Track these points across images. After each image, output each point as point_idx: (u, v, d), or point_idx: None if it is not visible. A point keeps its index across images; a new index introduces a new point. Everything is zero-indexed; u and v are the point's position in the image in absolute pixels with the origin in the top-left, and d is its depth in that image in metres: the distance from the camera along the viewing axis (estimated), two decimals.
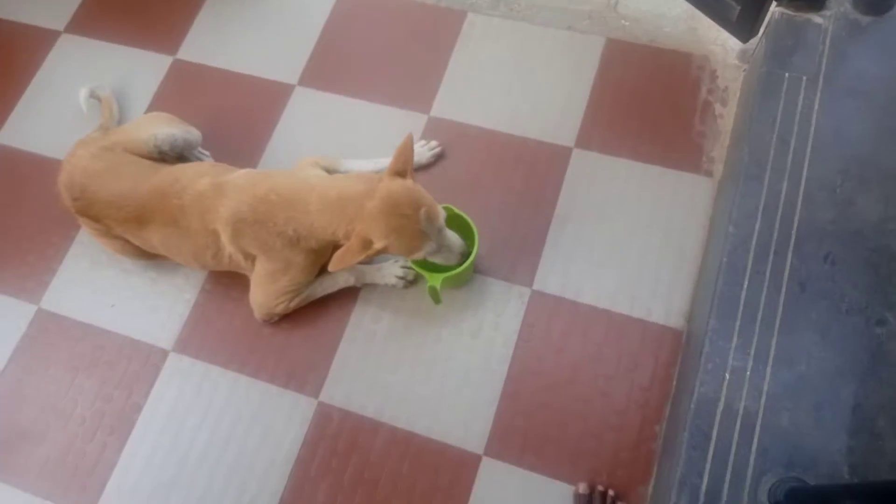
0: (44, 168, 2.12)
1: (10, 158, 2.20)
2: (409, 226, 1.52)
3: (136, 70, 2.28)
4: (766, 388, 1.38)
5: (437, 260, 1.64)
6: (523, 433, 1.67)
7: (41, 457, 1.79)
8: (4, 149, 2.22)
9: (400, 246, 1.54)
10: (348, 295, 1.86)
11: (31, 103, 2.29)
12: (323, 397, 1.76)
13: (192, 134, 1.97)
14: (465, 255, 1.65)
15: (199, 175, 1.73)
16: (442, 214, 1.58)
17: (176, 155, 1.92)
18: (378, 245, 1.51)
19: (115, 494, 1.74)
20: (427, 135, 2.03)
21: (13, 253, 2.05)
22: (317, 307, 1.84)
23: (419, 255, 1.58)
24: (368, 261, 1.62)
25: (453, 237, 1.64)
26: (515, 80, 2.08)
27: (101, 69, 2.28)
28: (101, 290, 1.97)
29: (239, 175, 1.73)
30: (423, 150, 1.97)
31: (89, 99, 2.15)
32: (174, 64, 2.28)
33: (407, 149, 1.57)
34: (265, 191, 1.63)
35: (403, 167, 1.56)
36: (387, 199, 1.51)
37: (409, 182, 1.55)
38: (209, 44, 2.30)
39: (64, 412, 1.83)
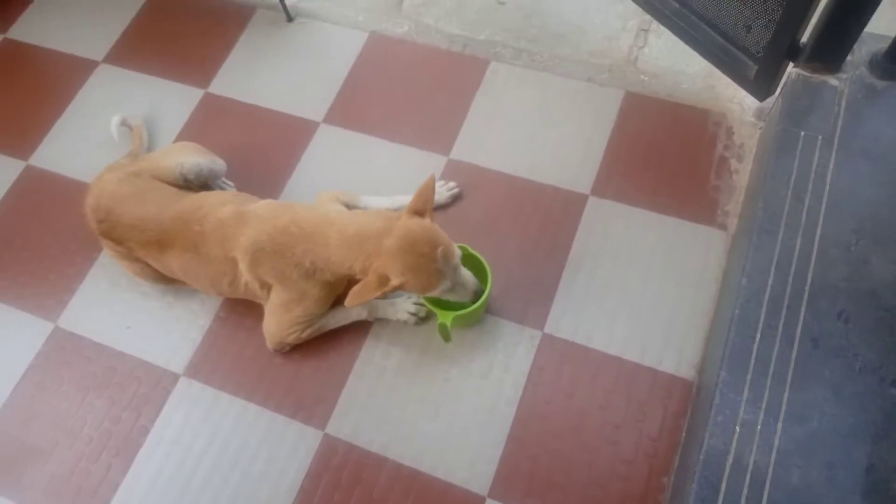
0: (72, 190, 2.18)
1: (41, 179, 2.26)
2: (426, 264, 1.54)
3: (168, 101, 2.35)
4: (776, 443, 1.37)
5: (452, 298, 1.66)
6: (528, 477, 1.65)
7: (46, 474, 1.79)
8: (36, 170, 2.28)
9: (416, 284, 1.56)
10: (360, 329, 1.87)
11: (65, 128, 2.37)
12: (329, 430, 1.76)
13: (217, 164, 2.03)
14: (479, 294, 1.67)
15: (221, 203, 1.77)
16: (457, 253, 1.61)
17: (200, 183, 1.97)
18: (395, 282, 1.53)
19: None
20: (446, 176, 2.07)
21: (35, 271, 2.09)
22: (328, 339, 1.86)
23: (434, 293, 1.60)
24: (383, 297, 1.64)
25: (467, 275, 1.66)
26: (535, 127, 2.13)
27: (134, 99, 2.36)
28: (118, 312, 2.00)
29: (261, 205, 1.77)
30: (441, 191, 2.00)
31: (121, 127, 2.22)
32: (205, 97, 2.35)
33: (428, 189, 1.60)
34: (286, 223, 1.67)
35: (423, 206, 1.59)
36: (405, 237, 1.54)
37: (427, 221, 1.58)
38: (240, 79, 2.37)
39: (72, 431, 1.84)
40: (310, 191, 2.04)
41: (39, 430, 1.85)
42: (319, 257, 1.63)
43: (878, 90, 1.71)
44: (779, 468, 1.35)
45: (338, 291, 1.79)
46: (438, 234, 1.57)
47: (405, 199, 1.94)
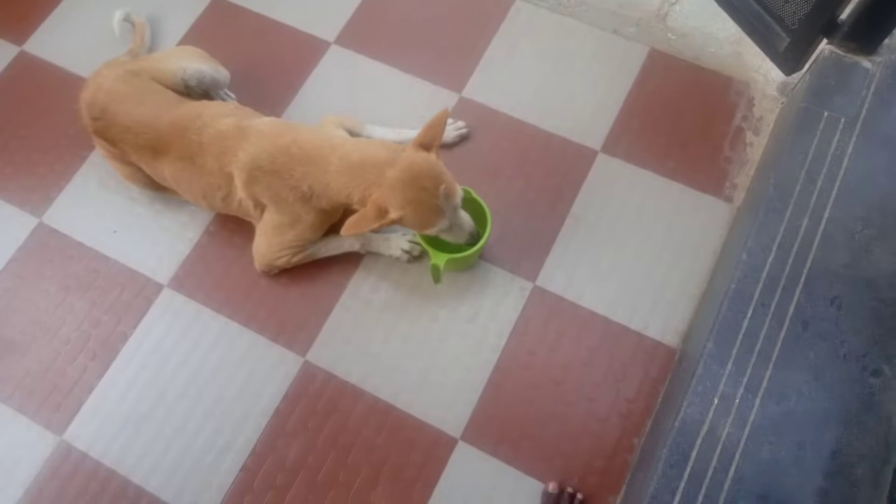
0: (66, 83, 2.10)
1: (35, 68, 2.18)
2: (427, 200, 1.51)
3: (175, 1, 2.25)
4: (752, 418, 1.38)
5: (447, 238, 1.63)
6: (502, 424, 1.66)
7: (21, 369, 1.79)
8: (30, 58, 2.20)
9: (415, 219, 1.53)
10: (350, 260, 1.85)
11: (65, 16, 2.27)
12: (310, 357, 1.76)
13: (221, 73, 1.96)
14: (475, 238, 1.64)
15: (222, 115, 1.71)
16: (459, 193, 1.57)
17: (202, 91, 1.90)
18: (393, 215, 1.50)
19: (88, 418, 1.74)
20: (456, 114, 2.01)
21: (23, 164, 2.03)
22: (317, 267, 1.84)
23: (432, 231, 1.57)
24: (379, 229, 1.61)
25: (466, 218, 1.63)
26: (553, 74, 2.06)
27: None
28: (104, 214, 1.96)
29: (263, 122, 1.71)
30: (449, 129, 1.95)
31: (123, 22, 2.14)
32: (215, 1, 2.26)
33: (438, 124, 1.55)
34: (287, 142, 1.62)
35: (431, 141, 1.54)
36: (408, 169, 1.50)
37: (432, 156, 1.54)
38: None
39: (50, 329, 1.83)
40: (314, 112, 1.98)
41: (17, 325, 1.84)
42: (318, 182, 1.59)
43: None
44: (750, 442, 1.37)
45: (333, 220, 1.76)
46: (442, 171, 1.53)
47: (411, 134, 1.90)
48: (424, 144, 1.54)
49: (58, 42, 2.22)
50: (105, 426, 1.73)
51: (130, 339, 1.80)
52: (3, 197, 2.00)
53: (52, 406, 1.75)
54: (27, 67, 2.18)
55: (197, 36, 2.20)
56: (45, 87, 2.14)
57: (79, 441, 1.72)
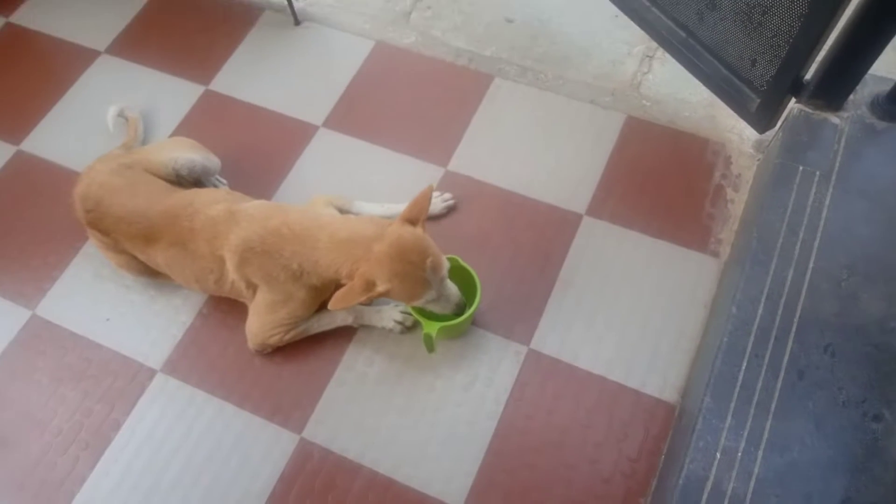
0: (62, 178, 2.15)
1: (31, 165, 2.24)
2: (414, 273, 1.53)
3: (168, 95, 2.34)
4: (756, 471, 1.35)
5: (435, 308, 1.64)
6: (505, 491, 1.62)
7: (11, 464, 1.75)
8: (27, 156, 2.26)
9: (402, 291, 1.55)
10: (344, 334, 1.85)
11: (60, 116, 2.35)
12: (306, 434, 1.73)
13: (212, 161, 2.01)
14: (462, 308, 1.66)
15: (213, 201, 1.75)
16: (446, 266, 1.60)
17: (193, 180, 1.95)
18: (381, 288, 1.51)
19: None
20: (442, 187, 2.06)
21: (17, 256, 2.06)
22: (311, 343, 1.83)
23: (419, 303, 1.59)
24: (368, 302, 1.62)
25: (452, 288, 1.65)
26: (535, 144, 2.13)
27: (133, 91, 2.35)
28: (98, 302, 1.96)
29: (253, 205, 1.75)
30: (436, 201, 2.00)
31: (117, 118, 2.21)
32: (205, 94, 2.35)
33: (424, 199, 1.59)
34: (277, 224, 1.65)
35: (417, 216, 1.58)
36: (395, 244, 1.53)
37: (419, 231, 1.57)
38: (242, 78, 2.37)
39: (41, 422, 1.80)
40: (304, 193, 2.03)
41: (7, 419, 1.81)
42: (308, 260, 1.62)
43: (878, 131, 1.72)
44: (757, 496, 1.34)
45: (324, 296, 1.76)
46: (429, 244, 1.56)
47: (399, 208, 1.94)
48: (411, 219, 1.58)
49: (53, 140, 2.29)
50: None
51: (123, 427, 1.77)
52: None
53: (44, 500, 1.70)
54: (24, 165, 2.24)
55: (189, 126, 2.28)
56: (41, 182, 2.19)
57: None
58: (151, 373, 1.85)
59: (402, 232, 1.55)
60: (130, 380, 1.84)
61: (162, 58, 2.43)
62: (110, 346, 1.90)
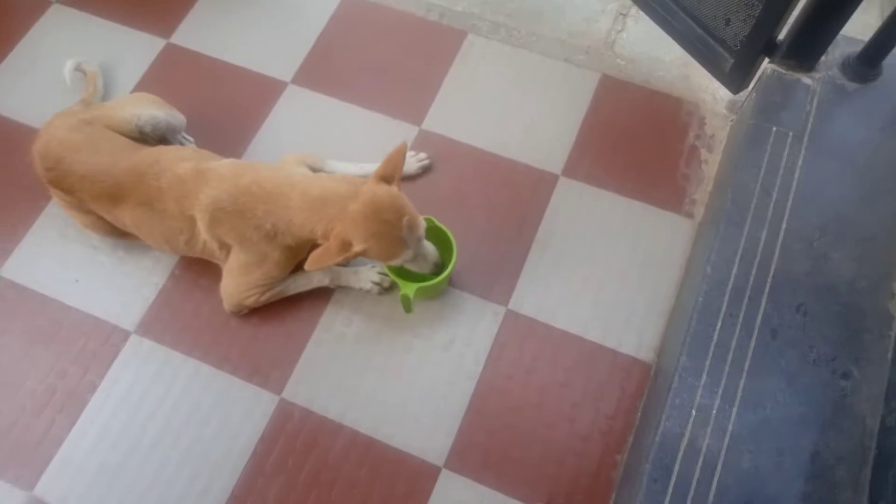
0: (18, 135, 2.06)
1: None
2: (390, 232, 1.51)
3: (127, 49, 2.24)
4: (730, 428, 1.40)
5: (412, 268, 1.65)
6: (485, 450, 1.66)
7: None
8: None
9: (379, 251, 1.53)
10: (321, 295, 1.84)
11: (12, 69, 2.23)
12: (286, 394, 1.73)
13: (176, 118, 1.95)
14: (439, 267, 1.66)
15: (180, 159, 1.70)
16: (422, 225, 1.59)
17: (157, 137, 1.89)
18: (357, 248, 1.50)
19: (58, 473, 1.67)
20: (417, 147, 2.04)
21: None
22: (288, 304, 1.82)
23: (396, 262, 1.59)
24: (345, 263, 1.61)
25: (429, 247, 1.65)
26: (509, 103, 2.11)
27: (89, 44, 2.24)
28: (66, 264, 1.91)
29: (223, 164, 1.70)
30: (411, 161, 1.97)
31: (75, 72, 2.11)
32: (167, 48, 2.25)
33: (398, 156, 1.57)
34: (248, 182, 1.61)
35: (391, 173, 1.56)
36: (370, 202, 1.51)
37: (394, 189, 1.55)
38: (205, 32, 2.28)
39: (13, 384, 1.76)
40: (274, 152, 1.98)
41: None
42: (281, 219, 1.59)
43: (849, 92, 1.75)
44: (731, 452, 1.39)
45: (300, 256, 1.75)
46: (404, 203, 1.55)
47: (372, 167, 1.90)
48: (385, 177, 1.56)
49: (6, 94, 2.18)
50: (77, 479, 1.66)
51: (99, 389, 1.75)
52: None
53: (20, 462, 1.68)
54: None
55: (151, 82, 2.19)
56: None
57: (50, 496, 1.65)
58: (125, 334, 1.81)
59: (376, 190, 1.52)
60: (104, 342, 1.81)
61: (119, 9, 2.32)
62: (81, 307, 1.85)
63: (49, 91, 2.15)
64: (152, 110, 1.88)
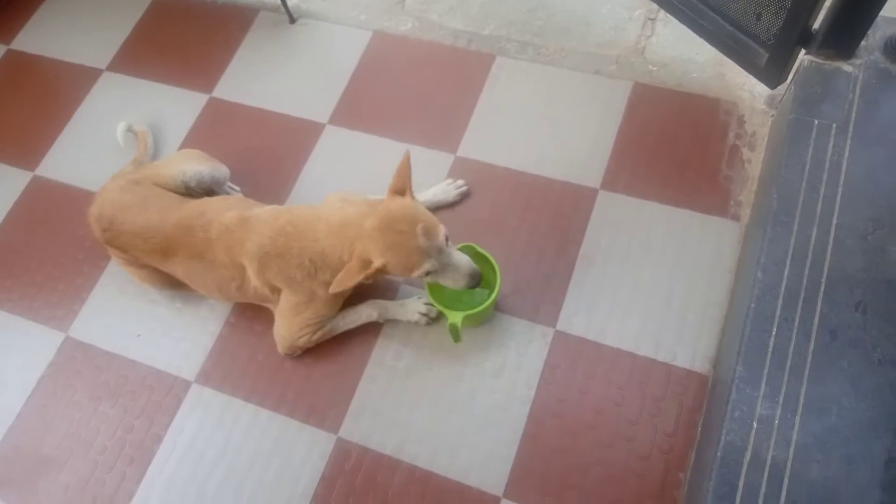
0: (79, 199, 2.18)
1: (49, 189, 2.27)
2: (406, 241, 1.51)
3: (173, 107, 2.35)
4: (795, 438, 1.34)
5: (447, 283, 1.61)
6: (544, 476, 1.63)
7: (62, 484, 1.80)
8: (43, 181, 2.29)
9: (398, 263, 1.53)
10: (371, 330, 1.86)
11: (71, 138, 2.37)
12: (342, 433, 1.75)
13: (220, 171, 2.02)
14: (476, 278, 1.61)
15: (225, 208, 1.76)
16: (443, 231, 1.56)
17: (203, 190, 1.97)
18: (377, 263, 1.51)
19: None
20: (454, 174, 2.05)
21: (45, 281, 2.09)
22: (339, 342, 1.85)
23: (419, 273, 1.55)
24: (369, 281, 1.61)
25: (460, 257, 1.61)
26: (542, 121, 2.10)
27: (139, 105, 2.36)
28: (127, 319, 2.00)
29: (264, 210, 1.76)
30: (449, 189, 1.99)
31: (126, 133, 2.22)
32: (210, 102, 2.35)
33: (405, 166, 1.59)
34: (283, 223, 1.67)
35: (402, 186, 1.58)
36: (384, 217, 1.53)
37: (407, 200, 1.57)
38: (243, 83, 2.36)
39: (86, 440, 1.84)
40: (317, 193, 2.03)
41: (53, 441, 1.86)
42: (315, 252, 1.62)
43: (894, 75, 1.67)
44: (797, 463, 1.33)
45: (347, 293, 1.78)
46: (418, 211, 1.55)
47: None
48: (397, 190, 1.58)
49: (66, 162, 2.32)
50: None
51: (165, 440, 1.81)
52: (30, 316, 2.05)
53: None
54: (41, 190, 2.27)
55: (197, 136, 2.28)
56: (60, 206, 2.22)
57: None
58: (186, 384, 1.88)
59: (390, 205, 1.55)
60: (166, 393, 1.87)
61: (163, 70, 2.44)
62: (144, 361, 1.93)
63: (106, 155, 2.26)
64: (197, 165, 1.96)
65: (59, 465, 1.82)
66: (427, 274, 1.57)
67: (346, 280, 1.53)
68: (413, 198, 1.59)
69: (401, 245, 1.51)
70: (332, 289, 1.54)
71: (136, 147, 2.19)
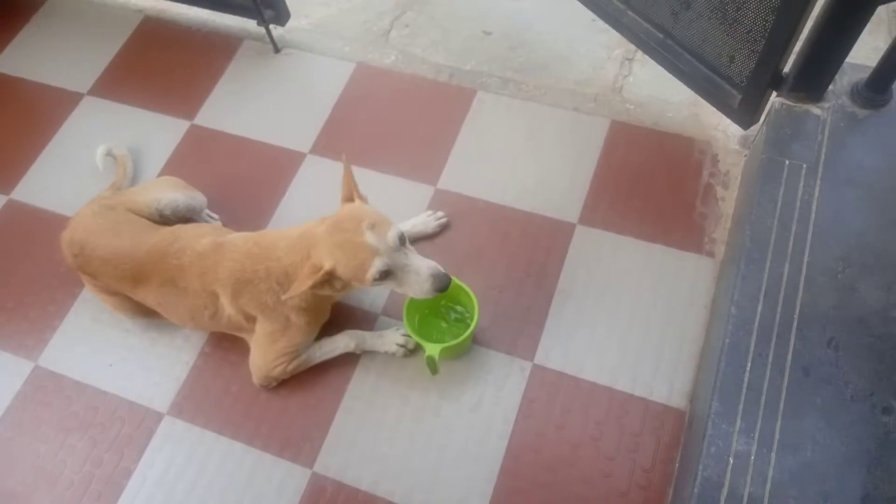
0: (54, 224, 2.13)
1: (23, 214, 2.23)
2: (352, 238, 1.49)
3: (154, 133, 2.34)
4: (770, 474, 1.36)
5: (410, 291, 1.56)
6: None
7: None
8: (18, 205, 2.25)
9: (347, 263, 1.50)
10: (347, 362, 1.85)
11: (48, 161, 2.34)
12: (317, 468, 1.73)
13: (196, 200, 2.00)
14: (442, 280, 1.54)
15: (199, 236, 1.75)
16: (395, 230, 1.53)
17: (178, 219, 1.95)
18: (327, 266, 1.50)
19: None
20: (434, 206, 2.06)
21: (16, 308, 2.05)
22: (315, 374, 1.83)
23: (372, 273, 1.49)
24: (320, 287, 1.54)
25: (420, 259, 1.55)
26: (522, 156, 2.13)
27: (119, 131, 2.34)
28: (100, 349, 1.96)
29: (237, 236, 1.75)
30: (429, 220, 2.00)
31: (105, 157, 2.20)
32: (191, 129, 2.34)
33: (347, 175, 1.61)
34: (251, 245, 1.66)
35: (348, 192, 1.61)
36: (332, 221, 1.55)
37: (355, 203, 1.58)
38: (226, 111, 2.37)
39: (52, 475, 1.79)
40: (297, 221, 1.98)
41: (18, 474, 1.80)
42: (280, 273, 1.62)
43: (860, 119, 1.73)
44: (774, 500, 1.34)
45: (321, 319, 1.77)
46: (365, 211, 1.55)
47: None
48: (345, 198, 1.61)
49: (43, 186, 2.29)
50: None
51: (134, 474, 1.76)
52: None
53: None
54: (16, 214, 2.23)
55: (177, 162, 2.27)
56: (34, 231, 2.19)
57: None
58: (158, 416, 1.84)
59: (340, 210, 1.57)
60: (137, 425, 1.83)
61: (145, 95, 2.43)
62: (115, 392, 1.89)
63: (84, 180, 2.24)
64: (172, 193, 1.95)
65: (23, 500, 1.76)
66: (383, 276, 1.50)
67: (298, 286, 1.51)
68: (362, 200, 1.60)
69: (347, 243, 1.49)
70: (286, 297, 1.54)
71: (114, 171, 2.17)
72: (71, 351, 1.97)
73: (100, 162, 2.20)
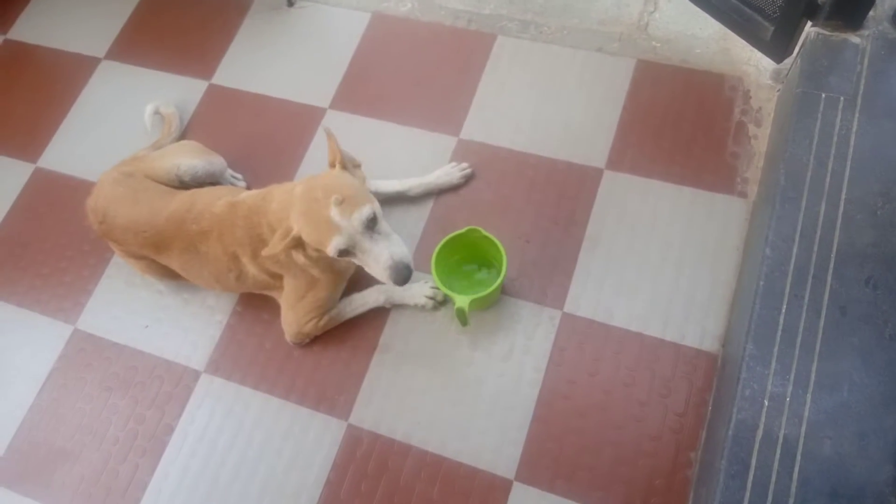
0: (81, 191, 2.15)
1: (51, 181, 2.26)
2: (318, 210, 1.45)
3: (173, 94, 2.32)
4: (806, 415, 1.34)
5: (370, 271, 1.52)
6: (555, 459, 1.64)
7: (76, 476, 1.81)
8: (45, 172, 2.28)
9: (309, 232, 1.48)
10: (378, 316, 1.86)
11: (72, 128, 2.35)
12: (353, 420, 1.76)
13: (215, 165, 1.99)
14: (402, 272, 1.48)
15: (215, 198, 1.75)
16: (366, 211, 1.45)
17: (198, 184, 1.94)
18: (294, 230, 1.49)
19: None
20: (457, 157, 2.03)
21: (51, 274, 2.09)
22: (347, 329, 1.85)
23: (331, 250, 1.46)
24: (289, 248, 1.54)
25: (384, 246, 1.48)
26: (545, 102, 2.08)
27: (138, 94, 2.33)
28: (135, 311, 1.99)
29: (248, 193, 1.74)
30: (453, 172, 1.97)
31: (154, 115, 2.20)
32: (209, 89, 2.33)
33: (330, 140, 1.57)
34: (258, 200, 1.65)
35: (331, 158, 1.56)
36: (308, 183, 1.52)
37: (337, 171, 1.54)
38: (243, 69, 2.34)
39: (98, 432, 1.85)
40: None
41: (66, 433, 1.87)
42: (269, 228, 1.60)
43: None
44: (810, 440, 1.33)
45: (347, 273, 1.77)
46: (341, 183, 1.49)
47: (416, 182, 1.93)
48: (331, 163, 1.57)
49: (68, 153, 2.30)
50: None
51: (176, 430, 1.82)
52: (38, 309, 2.05)
53: None
54: (44, 181, 2.26)
55: (198, 124, 2.27)
56: (62, 198, 2.22)
57: None
58: (196, 374, 1.88)
59: (321, 174, 1.54)
60: (176, 383, 1.88)
61: (162, 57, 2.41)
62: (152, 352, 1.93)
63: (109, 144, 2.25)
64: (191, 160, 1.94)
65: (73, 457, 1.83)
66: (341, 254, 1.47)
67: (272, 247, 1.51)
68: (346, 169, 1.56)
69: (312, 213, 1.47)
70: (263, 254, 1.54)
71: (161, 130, 2.17)
72: (107, 313, 2.01)
73: (148, 121, 2.20)
